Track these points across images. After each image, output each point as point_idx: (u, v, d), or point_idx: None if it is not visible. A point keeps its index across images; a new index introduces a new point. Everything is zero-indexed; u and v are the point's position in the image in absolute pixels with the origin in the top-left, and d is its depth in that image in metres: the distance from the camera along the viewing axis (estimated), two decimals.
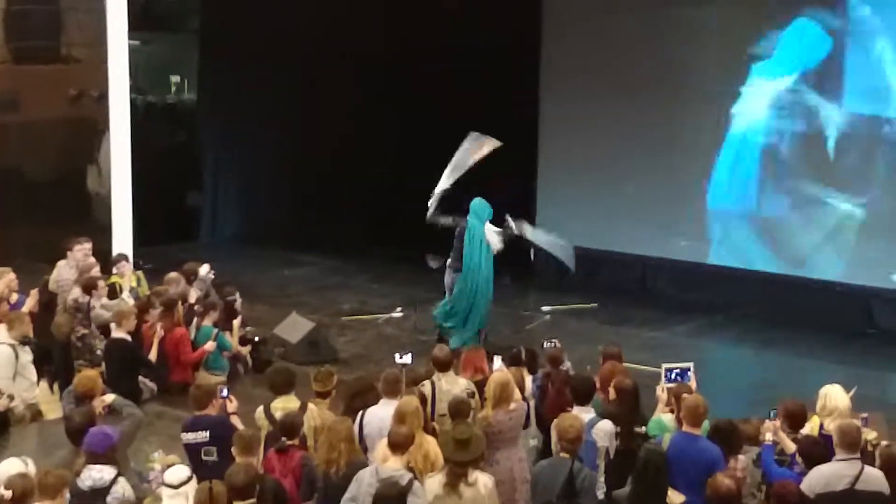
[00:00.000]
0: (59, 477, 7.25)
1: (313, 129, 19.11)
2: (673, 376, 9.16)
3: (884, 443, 8.25)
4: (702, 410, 8.10)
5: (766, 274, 15.33)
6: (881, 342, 14.26)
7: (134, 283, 13.25)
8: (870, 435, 8.28)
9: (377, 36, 18.25)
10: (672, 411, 8.68)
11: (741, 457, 8.19)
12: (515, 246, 13.52)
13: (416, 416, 8.14)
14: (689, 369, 9.31)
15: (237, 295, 12.96)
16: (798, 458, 8.07)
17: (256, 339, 12.93)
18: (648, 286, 16.58)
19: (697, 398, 8.29)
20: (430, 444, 8.14)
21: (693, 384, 9.09)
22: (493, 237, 13.22)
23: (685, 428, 8.10)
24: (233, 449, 7.90)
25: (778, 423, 8.38)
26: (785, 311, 14.88)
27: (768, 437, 8.31)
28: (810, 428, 8.58)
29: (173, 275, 12.97)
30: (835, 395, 8.67)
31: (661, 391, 9.02)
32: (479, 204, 13.33)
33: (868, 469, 7.63)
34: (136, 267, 14.04)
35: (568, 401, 9.12)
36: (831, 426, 8.23)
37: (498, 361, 9.84)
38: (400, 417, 8.11)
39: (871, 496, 7.55)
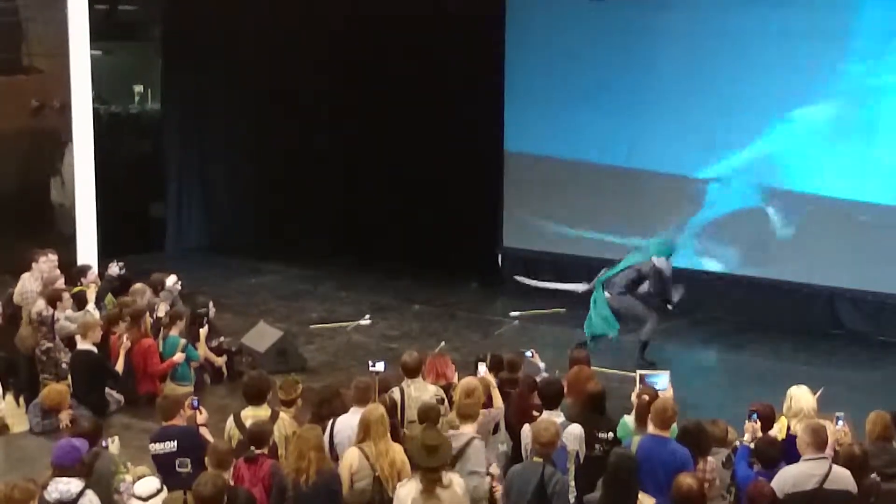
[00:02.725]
0: (25, 490, 7.20)
1: (277, 137, 19.10)
2: (653, 383, 9.18)
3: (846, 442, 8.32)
4: (669, 413, 8.13)
5: (732, 276, 15.41)
6: (847, 342, 14.38)
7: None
8: (840, 434, 8.33)
9: (341, 46, 18.23)
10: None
11: (710, 458, 8.22)
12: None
13: (381, 424, 8.14)
14: (664, 376, 9.36)
15: (210, 305, 12.92)
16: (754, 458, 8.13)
17: (233, 349, 12.91)
18: None
19: (666, 401, 8.32)
20: (397, 452, 8.13)
21: (669, 391, 9.12)
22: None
23: (654, 430, 8.13)
24: (206, 461, 7.86)
25: (758, 424, 8.42)
26: (751, 313, 14.97)
27: (747, 437, 8.35)
28: (778, 429, 8.63)
29: (139, 286, 12.91)
30: (801, 396, 8.72)
31: (636, 397, 9.04)
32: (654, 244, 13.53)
33: (836, 468, 7.67)
34: (102, 278, 13.96)
35: (532, 406, 9.15)
36: (798, 427, 8.28)
37: (482, 368, 9.84)
38: (364, 425, 8.11)
39: (839, 495, 7.59)
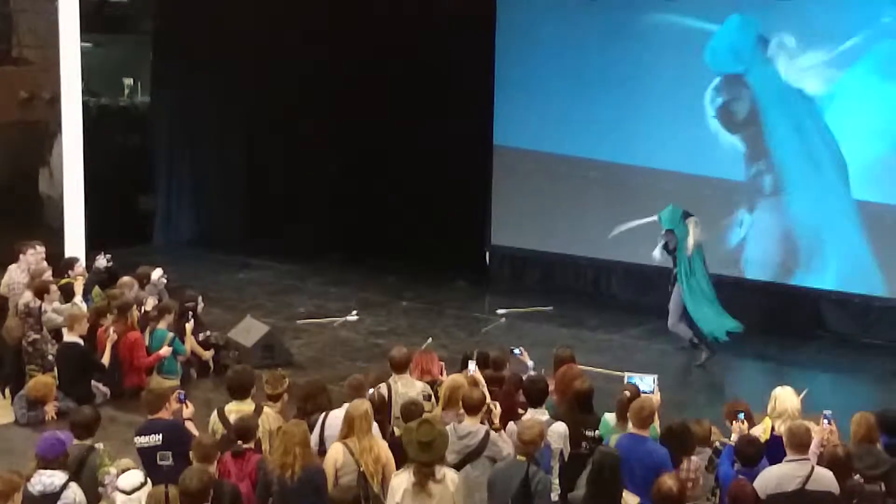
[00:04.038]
0: (9, 482, 7.20)
1: (267, 132, 19.08)
2: (638, 385, 9.21)
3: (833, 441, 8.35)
4: (646, 413, 8.16)
5: (718, 277, 15.41)
6: (832, 344, 14.42)
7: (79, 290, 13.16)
8: (826, 433, 8.36)
9: (329, 41, 18.24)
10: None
11: (694, 458, 8.25)
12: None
13: (366, 419, 8.15)
14: (650, 379, 9.39)
15: (199, 299, 12.91)
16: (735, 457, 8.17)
17: (219, 343, 12.90)
18: (602, 289, 16.66)
19: (643, 400, 8.35)
20: (382, 448, 8.15)
21: (656, 394, 9.15)
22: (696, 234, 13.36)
23: (632, 429, 8.15)
24: (191, 455, 7.86)
25: (745, 424, 8.46)
26: (737, 314, 14.98)
27: (734, 437, 8.37)
28: (763, 429, 8.65)
29: (127, 279, 12.89)
30: (785, 397, 8.75)
31: None
32: (668, 214, 13.42)
33: (818, 469, 7.71)
34: (89, 270, 13.95)
35: (517, 404, 9.16)
36: (782, 427, 8.31)
37: (472, 366, 9.85)
38: (349, 420, 8.12)
39: (822, 496, 7.62)
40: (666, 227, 13.40)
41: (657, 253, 13.62)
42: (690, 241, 13.22)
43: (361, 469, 7.96)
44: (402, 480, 7.52)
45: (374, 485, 7.86)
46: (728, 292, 15.05)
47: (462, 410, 8.59)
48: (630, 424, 8.29)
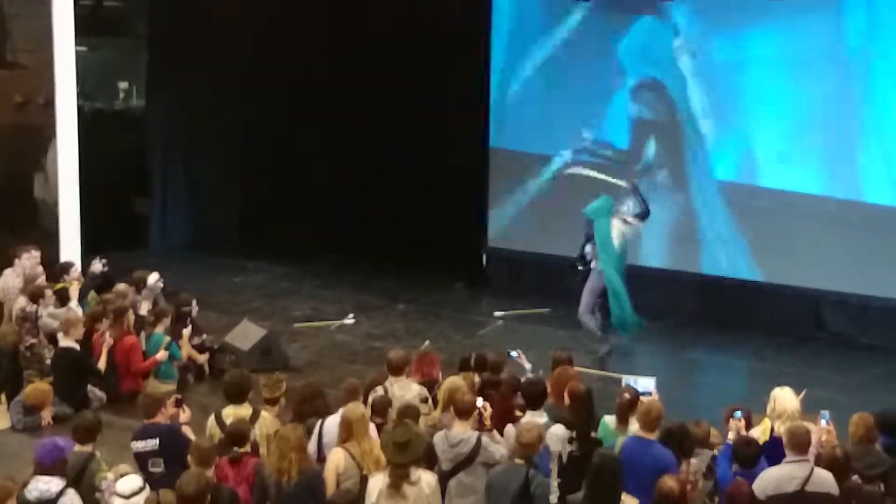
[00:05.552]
0: (3, 488, 7.19)
1: (262, 135, 19.06)
2: (636, 387, 9.20)
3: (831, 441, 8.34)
4: (654, 415, 8.13)
5: (715, 277, 15.43)
6: (830, 345, 14.39)
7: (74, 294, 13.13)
8: (824, 433, 8.35)
9: (322, 43, 18.22)
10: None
11: (693, 460, 8.23)
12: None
13: (363, 423, 8.14)
14: (648, 381, 9.37)
15: (194, 303, 12.87)
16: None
17: (215, 346, 12.87)
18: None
19: (651, 403, 8.34)
20: (381, 450, 8.13)
21: (655, 396, 9.13)
22: (620, 225, 13.46)
23: (639, 432, 8.12)
24: (189, 459, 7.84)
25: (742, 423, 8.44)
26: (734, 315, 14.99)
27: (731, 436, 8.36)
28: (762, 430, 8.64)
29: (122, 287, 12.84)
30: (785, 398, 8.74)
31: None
32: (594, 207, 13.48)
33: (818, 470, 7.69)
34: (85, 275, 13.93)
35: (514, 407, 9.13)
36: (781, 428, 8.30)
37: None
38: (346, 425, 8.09)
39: (821, 497, 7.61)
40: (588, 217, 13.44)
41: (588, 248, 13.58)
42: (615, 233, 13.37)
43: (364, 473, 7.94)
44: (377, 481, 7.53)
45: None
46: (729, 292, 15.12)
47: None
48: (636, 427, 8.26)
